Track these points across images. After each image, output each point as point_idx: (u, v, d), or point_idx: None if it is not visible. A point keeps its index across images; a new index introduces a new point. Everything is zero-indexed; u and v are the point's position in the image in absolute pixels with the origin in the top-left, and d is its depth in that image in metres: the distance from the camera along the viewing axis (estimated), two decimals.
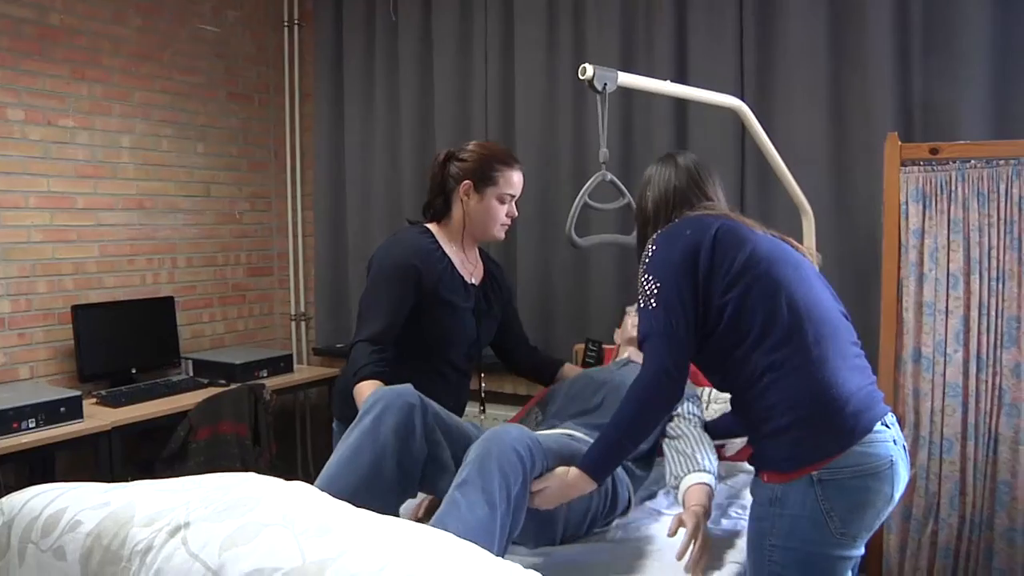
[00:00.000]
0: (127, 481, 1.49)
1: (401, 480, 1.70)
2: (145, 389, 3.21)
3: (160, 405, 3.09)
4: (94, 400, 3.08)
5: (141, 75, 3.51)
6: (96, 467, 2.81)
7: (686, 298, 1.54)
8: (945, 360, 2.32)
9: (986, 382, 2.29)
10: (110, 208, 3.41)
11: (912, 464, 2.37)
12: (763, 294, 1.52)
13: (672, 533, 1.72)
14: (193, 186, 3.74)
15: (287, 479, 1.62)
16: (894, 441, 1.49)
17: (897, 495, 1.50)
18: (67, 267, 3.27)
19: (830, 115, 2.81)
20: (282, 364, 3.64)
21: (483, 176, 2.08)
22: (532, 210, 3.38)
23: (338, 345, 3.97)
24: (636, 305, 1.63)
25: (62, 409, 2.76)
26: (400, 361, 2.03)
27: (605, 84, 1.84)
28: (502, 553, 1.50)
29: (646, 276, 1.59)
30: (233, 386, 3.27)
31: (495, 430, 1.65)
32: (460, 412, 2.17)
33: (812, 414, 1.46)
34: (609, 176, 1.93)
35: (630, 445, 1.64)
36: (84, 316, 3.22)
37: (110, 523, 1.26)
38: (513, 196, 2.12)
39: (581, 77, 1.84)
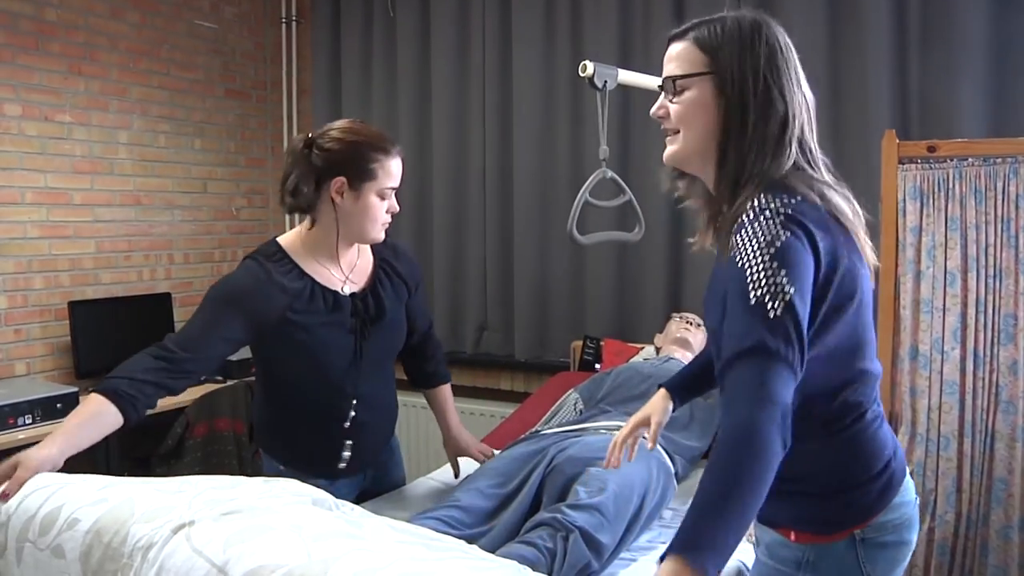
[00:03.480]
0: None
1: None
2: None
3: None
4: None
5: (138, 71, 3.50)
6: (92, 463, 2.80)
7: (805, 324, 1.09)
8: (942, 357, 2.33)
9: (983, 379, 2.30)
10: (107, 204, 3.40)
11: (909, 461, 2.38)
12: (843, 356, 1.18)
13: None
14: (190, 182, 3.74)
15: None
16: (909, 475, 1.30)
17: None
18: (64, 263, 3.26)
19: (828, 112, 2.81)
20: None
21: (358, 170, 1.71)
22: (529, 208, 3.38)
23: None
24: (743, 291, 1.08)
25: (59, 405, 2.76)
26: (276, 407, 1.89)
27: (606, 81, 1.84)
28: None
29: (772, 263, 1.06)
30: (230, 382, 3.26)
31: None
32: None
33: (868, 477, 1.22)
34: (610, 173, 1.93)
35: (745, 506, 1.01)
36: (81, 312, 3.21)
37: (109, 520, 1.26)
38: (394, 189, 1.77)
39: (582, 74, 1.84)
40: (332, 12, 3.89)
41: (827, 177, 1.21)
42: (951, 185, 2.31)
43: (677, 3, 3.04)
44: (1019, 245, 2.24)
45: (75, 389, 2.85)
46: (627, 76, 1.94)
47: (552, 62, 3.32)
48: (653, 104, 1.27)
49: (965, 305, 2.31)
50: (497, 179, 3.48)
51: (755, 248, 1.09)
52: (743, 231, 1.11)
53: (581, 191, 1.89)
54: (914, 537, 1.27)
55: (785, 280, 1.05)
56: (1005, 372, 2.27)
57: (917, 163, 2.35)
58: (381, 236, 1.81)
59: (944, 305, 2.32)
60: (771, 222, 1.10)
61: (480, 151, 3.51)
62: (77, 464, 1.50)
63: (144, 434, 3.18)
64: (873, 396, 1.24)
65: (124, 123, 3.45)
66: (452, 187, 3.58)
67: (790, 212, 1.10)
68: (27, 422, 2.66)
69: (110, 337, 3.29)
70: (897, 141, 2.37)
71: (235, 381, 3.26)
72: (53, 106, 3.20)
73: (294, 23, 4.08)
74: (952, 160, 2.31)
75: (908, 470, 1.30)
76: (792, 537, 1.24)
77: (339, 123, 1.79)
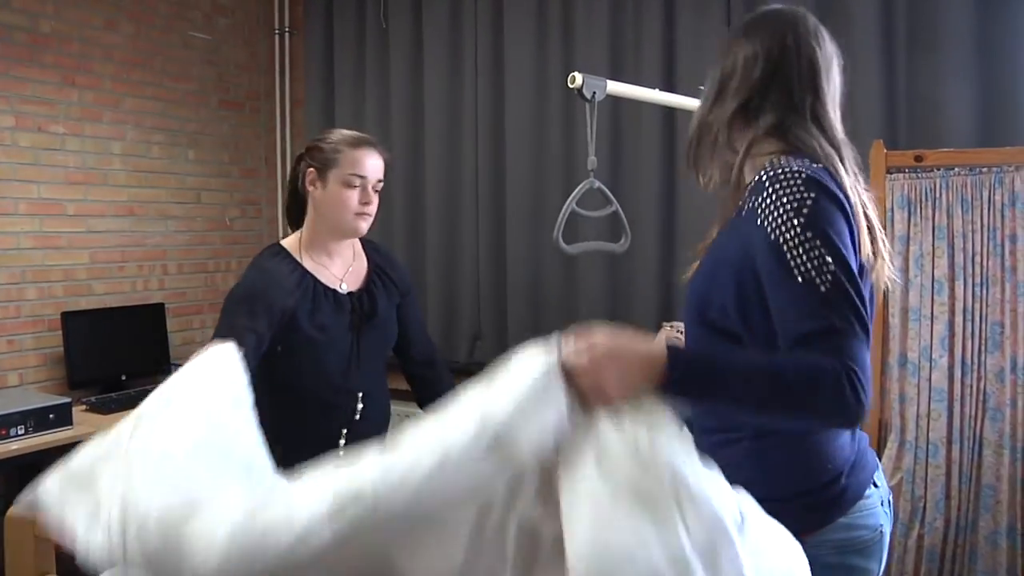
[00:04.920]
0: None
1: None
2: (135, 396, 3.20)
3: None
4: (84, 407, 3.08)
5: (132, 82, 3.51)
6: None
7: (858, 277, 1.08)
8: (931, 365, 2.35)
9: (971, 387, 2.32)
10: (100, 215, 3.41)
11: (898, 468, 2.40)
12: None
13: None
14: (184, 193, 3.74)
15: None
16: (882, 502, 1.20)
17: (882, 569, 1.21)
18: (57, 274, 3.26)
19: None
20: None
21: (324, 159, 1.86)
22: (522, 217, 3.40)
23: None
24: (785, 266, 1.06)
25: (52, 416, 2.75)
26: (281, 412, 1.78)
27: (594, 93, 1.86)
28: None
29: (807, 233, 1.05)
30: None
31: None
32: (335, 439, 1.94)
33: (802, 490, 1.15)
34: (597, 184, 1.95)
35: (758, 402, 1.03)
36: (74, 323, 3.21)
37: None
38: (363, 178, 1.85)
39: (570, 85, 1.86)
40: (325, 23, 3.91)
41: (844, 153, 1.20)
42: (938, 194, 2.34)
43: (667, 15, 3.07)
44: (1005, 254, 2.27)
45: (68, 400, 2.85)
46: (616, 87, 1.96)
47: (544, 72, 3.34)
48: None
49: (953, 313, 2.33)
50: (490, 189, 3.50)
51: (784, 217, 1.07)
52: (764, 194, 1.10)
53: (568, 201, 1.90)
54: (873, 565, 1.17)
55: (824, 251, 1.04)
56: (992, 379, 2.29)
57: (905, 172, 2.38)
58: (357, 226, 1.87)
59: (932, 313, 2.35)
60: (793, 184, 1.09)
61: (472, 161, 3.53)
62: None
63: None
64: None
65: (118, 134, 3.46)
66: (445, 197, 3.59)
67: (809, 173, 1.10)
68: (19, 433, 2.66)
69: (103, 348, 3.30)
70: (885, 151, 2.40)
71: None
72: (47, 117, 3.21)
73: (287, 34, 4.10)
74: (939, 170, 2.34)
75: (885, 500, 1.21)
76: None
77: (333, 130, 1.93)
